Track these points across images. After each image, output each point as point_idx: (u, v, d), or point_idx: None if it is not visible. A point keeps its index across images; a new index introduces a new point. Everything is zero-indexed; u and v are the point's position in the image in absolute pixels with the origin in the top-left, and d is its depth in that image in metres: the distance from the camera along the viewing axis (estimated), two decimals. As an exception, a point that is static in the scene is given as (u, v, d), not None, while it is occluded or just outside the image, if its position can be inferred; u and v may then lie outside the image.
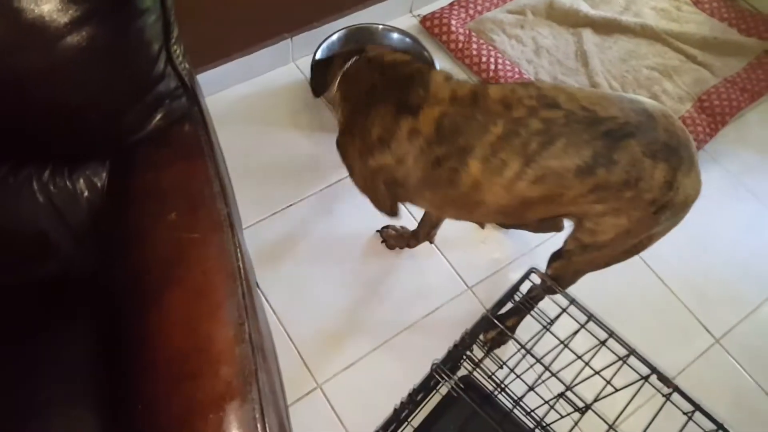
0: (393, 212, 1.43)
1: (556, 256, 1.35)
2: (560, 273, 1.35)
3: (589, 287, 1.59)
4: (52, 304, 1.05)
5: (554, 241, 1.84)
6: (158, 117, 0.99)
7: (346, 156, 1.36)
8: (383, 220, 1.77)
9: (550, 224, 1.71)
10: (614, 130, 1.08)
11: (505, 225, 1.86)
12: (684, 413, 1.13)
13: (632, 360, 1.15)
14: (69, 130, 0.94)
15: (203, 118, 1.05)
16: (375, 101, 1.23)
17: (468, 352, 1.24)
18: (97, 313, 0.99)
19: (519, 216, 1.25)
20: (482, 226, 1.84)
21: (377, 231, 1.80)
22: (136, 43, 0.91)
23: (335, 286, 1.72)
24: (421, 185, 1.24)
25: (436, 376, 1.21)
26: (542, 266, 1.79)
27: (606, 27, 2.28)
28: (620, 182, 1.10)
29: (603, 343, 1.15)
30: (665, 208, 1.14)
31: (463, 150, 1.13)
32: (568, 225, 1.31)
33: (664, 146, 1.10)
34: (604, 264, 1.34)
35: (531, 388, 1.24)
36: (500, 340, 1.56)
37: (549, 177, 1.11)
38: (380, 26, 2.02)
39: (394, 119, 1.19)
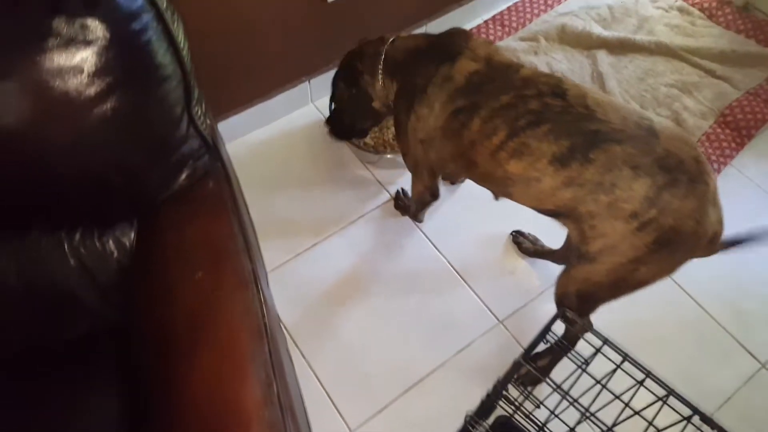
0: (433, 188, 1.61)
1: (560, 274, 1.38)
2: (564, 290, 1.35)
3: (623, 314, 1.56)
4: (79, 361, 1.06)
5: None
6: (183, 177, 1.02)
7: (399, 123, 1.46)
8: (407, 252, 1.77)
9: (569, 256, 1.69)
10: (602, 132, 1.12)
11: (528, 252, 1.84)
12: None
13: (673, 400, 1.11)
14: (97, 195, 0.97)
15: (226, 173, 1.07)
16: (420, 58, 1.37)
17: (504, 392, 1.21)
18: (123, 370, 1.00)
19: (503, 190, 1.32)
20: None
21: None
22: (159, 109, 0.94)
23: (363, 325, 1.71)
24: (440, 135, 1.35)
25: (471, 429, 1.18)
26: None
27: (620, 47, 2.27)
28: (593, 182, 1.13)
29: (641, 383, 1.12)
30: (649, 226, 1.11)
31: (475, 107, 1.24)
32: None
33: (654, 163, 1.09)
34: (608, 288, 1.28)
35: (572, 430, 1.21)
36: (535, 379, 1.53)
37: (525, 156, 1.18)
38: (395, 64, 2.05)
39: (435, 67, 1.31)
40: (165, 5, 0.93)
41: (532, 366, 1.17)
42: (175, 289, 0.91)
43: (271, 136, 2.08)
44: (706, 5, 2.40)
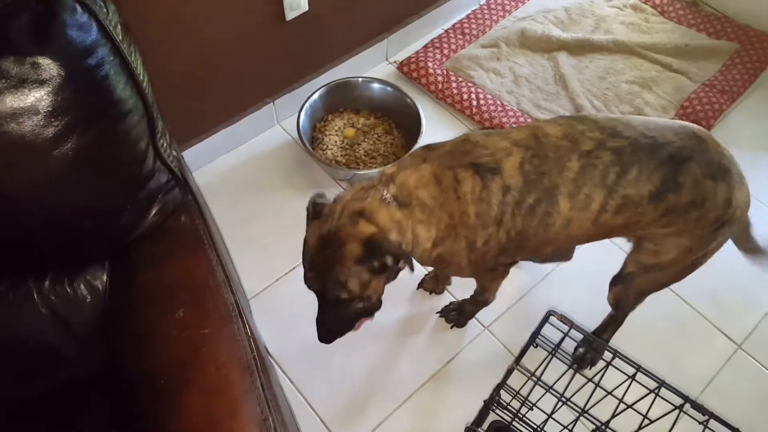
0: (503, 275, 1.45)
1: (616, 281, 1.38)
2: (621, 296, 1.39)
3: (607, 309, 1.57)
4: (65, 412, 1.02)
5: (563, 269, 1.83)
6: (153, 212, 0.98)
7: (451, 262, 1.24)
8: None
9: (561, 254, 1.72)
10: (675, 155, 1.12)
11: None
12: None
13: (664, 390, 1.12)
14: (65, 239, 0.93)
15: (198, 205, 1.05)
16: (452, 187, 1.13)
17: (498, 398, 1.21)
18: (113, 418, 0.96)
19: (596, 240, 1.28)
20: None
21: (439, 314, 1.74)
22: (123, 145, 0.90)
23: (350, 345, 1.67)
24: (520, 239, 1.20)
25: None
26: (555, 295, 1.79)
27: (580, 48, 2.31)
28: (687, 204, 1.14)
29: (632, 377, 1.12)
30: (725, 224, 1.18)
31: (550, 191, 1.13)
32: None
33: (719, 166, 1.15)
34: (666, 284, 1.37)
35: (567, 429, 1.20)
36: (596, 357, 1.55)
37: (628, 206, 1.14)
38: (360, 79, 2.05)
39: (483, 186, 1.12)
40: (121, 37, 0.90)
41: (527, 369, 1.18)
42: (157, 330, 0.88)
43: (239, 160, 2.05)
44: (657, 2, 2.47)
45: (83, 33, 0.83)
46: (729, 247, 1.87)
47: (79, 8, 0.83)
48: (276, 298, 1.76)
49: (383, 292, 1.18)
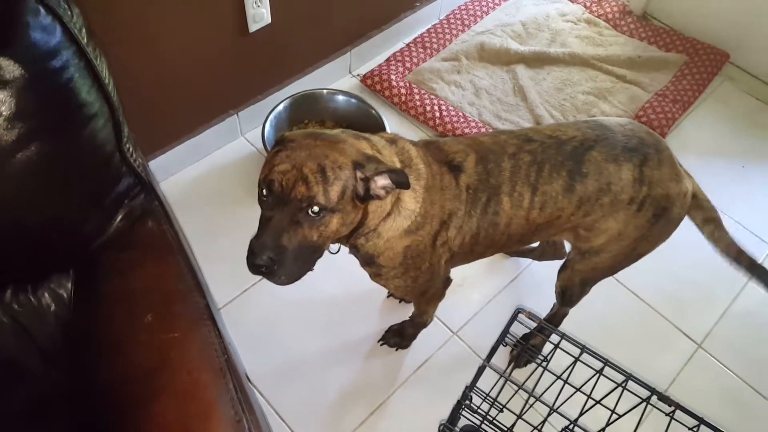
0: (447, 282, 1.43)
1: (561, 269, 1.44)
2: (567, 284, 1.43)
3: (570, 313, 1.61)
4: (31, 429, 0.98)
5: (529, 273, 1.87)
6: (119, 218, 0.96)
7: (410, 264, 1.20)
8: (357, 276, 1.73)
9: (554, 253, 1.78)
10: (577, 147, 1.19)
11: (509, 253, 1.89)
12: (689, 429, 1.13)
13: (631, 384, 1.15)
14: (29, 247, 0.90)
15: (165, 211, 1.03)
16: (438, 176, 1.16)
17: (469, 401, 1.21)
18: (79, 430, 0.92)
19: (528, 242, 1.32)
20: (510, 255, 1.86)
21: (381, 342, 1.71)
22: (89, 148, 0.89)
23: (320, 355, 1.67)
24: (471, 243, 1.23)
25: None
26: (521, 300, 1.82)
27: (537, 60, 2.39)
28: (596, 191, 1.20)
29: (600, 372, 1.15)
30: (645, 203, 1.21)
31: (496, 189, 1.19)
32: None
33: (624, 149, 1.19)
34: (609, 270, 1.39)
35: (536, 429, 1.22)
36: (528, 359, 1.60)
37: (548, 202, 1.20)
38: (324, 91, 2.06)
39: (456, 184, 1.17)
40: (86, 40, 0.89)
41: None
42: (125, 336, 0.86)
43: (204, 171, 2.03)
44: (610, 16, 2.57)
45: (47, 35, 0.82)
46: (688, 249, 1.95)
47: (42, 10, 0.82)
48: (244, 309, 1.74)
49: (333, 239, 1.06)
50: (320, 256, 1.05)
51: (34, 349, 0.95)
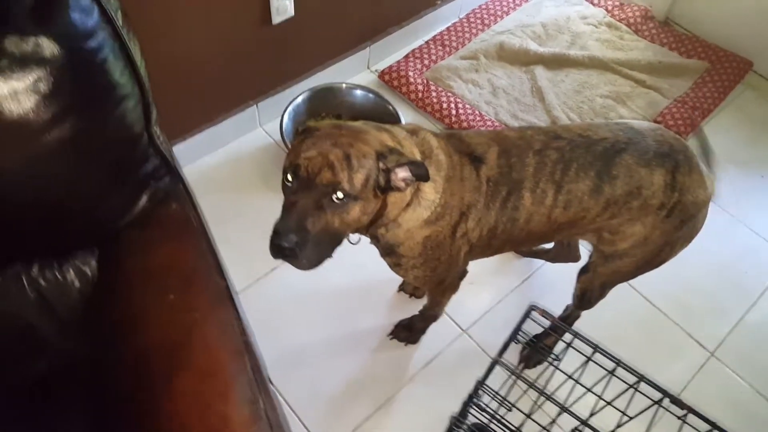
0: (462, 274, 1.44)
1: (582, 271, 1.44)
2: (587, 286, 1.44)
3: (581, 319, 1.61)
4: (44, 399, 1.00)
5: (541, 274, 1.87)
6: (144, 199, 0.98)
7: (430, 254, 1.20)
8: (369, 269, 1.73)
9: (568, 255, 1.77)
10: (608, 149, 1.19)
11: (522, 253, 1.89)
12: (701, 433, 1.12)
13: (642, 386, 1.15)
14: (56, 223, 0.92)
15: (188, 194, 1.05)
16: (459, 166, 1.16)
17: (477, 400, 1.22)
18: (93, 406, 0.94)
19: (548, 240, 1.33)
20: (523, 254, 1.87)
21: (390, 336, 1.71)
22: (119, 128, 0.91)
23: (329, 347, 1.69)
24: (489, 236, 1.23)
25: (456, 429, 1.18)
26: (531, 300, 1.81)
27: (556, 62, 2.38)
28: (625, 194, 1.19)
29: (611, 372, 1.15)
30: (675, 210, 1.21)
31: (518, 184, 1.18)
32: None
33: (656, 154, 1.20)
34: (631, 274, 1.39)
35: (545, 429, 1.22)
36: (540, 359, 1.62)
37: (573, 201, 1.20)
38: (344, 85, 2.07)
39: (476, 176, 1.16)
40: (121, 22, 0.91)
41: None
42: (146, 314, 0.87)
43: (221, 161, 2.05)
44: (631, 20, 2.57)
45: (85, 16, 0.84)
46: (702, 256, 1.95)
47: (81, -9, 0.84)
48: (256, 299, 1.75)
49: (353, 228, 1.07)
50: (340, 243, 1.07)
51: (56, 324, 0.97)
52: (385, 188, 1.03)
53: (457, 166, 1.15)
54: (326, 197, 0.97)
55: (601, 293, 1.46)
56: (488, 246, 1.27)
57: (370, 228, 1.14)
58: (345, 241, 1.10)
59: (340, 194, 0.97)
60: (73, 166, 0.88)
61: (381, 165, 1.01)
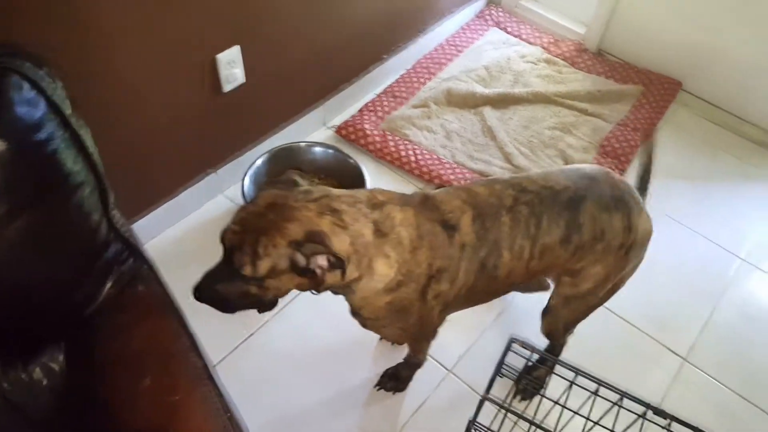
0: (434, 336, 1.46)
1: (544, 313, 1.49)
2: (551, 328, 1.50)
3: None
4: None
5: (516, 305, 1.89)
6: (109, 285, 0.97)
7: (395, 318, 1.21)
8: (348, 322, 1.72)
9: (538, 286, 1.81)
10: (572, 198, 1.24)
11: None
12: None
13: (626, 402, 1.17)
14: (18, 319, 0.89)
15: (154, 273, 1.03)
16: (429, 236, 1.14)
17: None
18: None
19: (523, 284, 1.35)
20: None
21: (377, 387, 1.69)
22: (77, 217, 0.90)
23: (316, 406, 1.65)
24: (468, 293, 1.24)
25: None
26: (511, 331, 1.83)
27: (502, 101, 2.48)
28: (591, 239, 1.25)
29: (595, 393, 1.17)
30: (631, 248, 1.30)
31: (496, 244, 1.20)
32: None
33: (612, 198, 1.26)
34: (590, 310, 1.46)
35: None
36: (532, 391, 1.63)
37: (546, 251, 1.24)
38: (302, 143, 2.10)
39: (449, 243, 1.15)
40: (70, 111, 0.91)
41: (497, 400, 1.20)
42: (124, 402, 0.84)
43: (185, 231, 2.02)
44: (567, 55, 2.70)
45: (32, 108, 0.84)
46: (664, 270, 2.01)
47: (26, 85, 0.84)
48: (236, 368, 1.71)
49: (285, 294, 1.09)
50: (275, 301, 1.12)
51: (26, 425, 0.93)
52: (306, 270, 1.02)
53: (427, 235, 1.14)
54: (238, 280, 1.03)
55: (566, 330, 1.53)
56: (467, 300, 1.29)
57: (329, 289, 1.14)
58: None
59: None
60: (33, 261, 0.87)
61: (296, 253, 1.00)
